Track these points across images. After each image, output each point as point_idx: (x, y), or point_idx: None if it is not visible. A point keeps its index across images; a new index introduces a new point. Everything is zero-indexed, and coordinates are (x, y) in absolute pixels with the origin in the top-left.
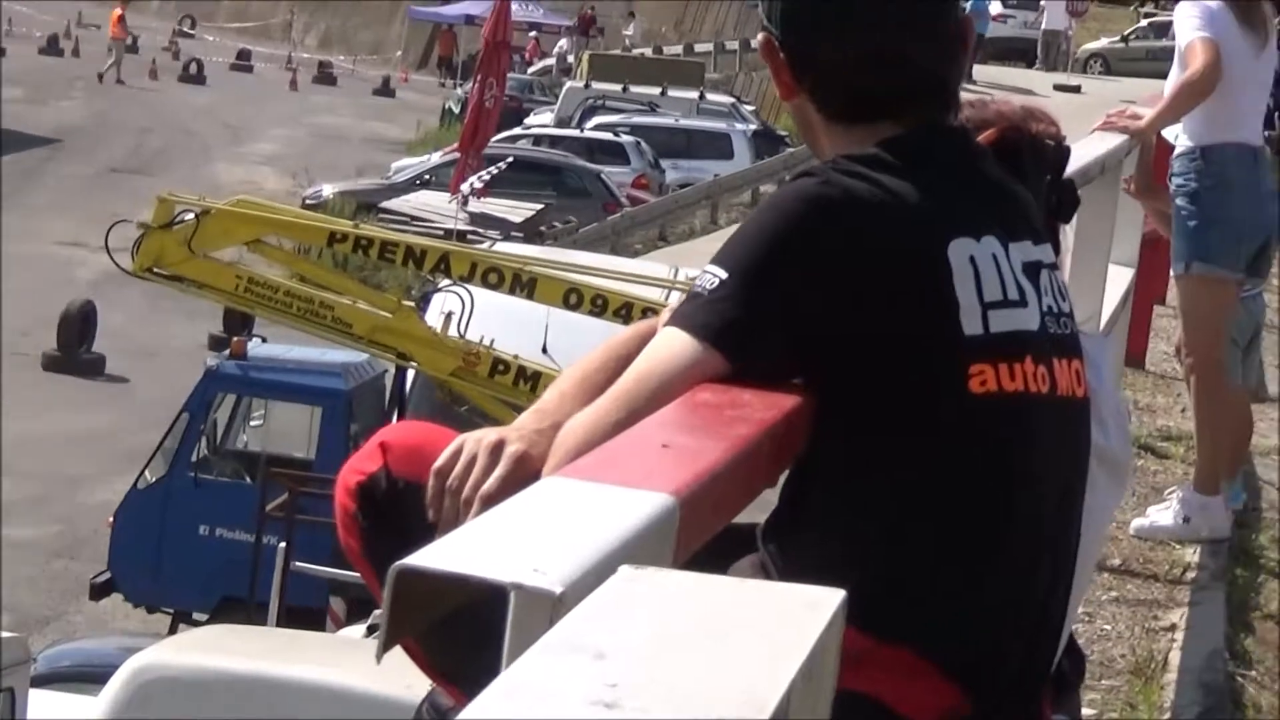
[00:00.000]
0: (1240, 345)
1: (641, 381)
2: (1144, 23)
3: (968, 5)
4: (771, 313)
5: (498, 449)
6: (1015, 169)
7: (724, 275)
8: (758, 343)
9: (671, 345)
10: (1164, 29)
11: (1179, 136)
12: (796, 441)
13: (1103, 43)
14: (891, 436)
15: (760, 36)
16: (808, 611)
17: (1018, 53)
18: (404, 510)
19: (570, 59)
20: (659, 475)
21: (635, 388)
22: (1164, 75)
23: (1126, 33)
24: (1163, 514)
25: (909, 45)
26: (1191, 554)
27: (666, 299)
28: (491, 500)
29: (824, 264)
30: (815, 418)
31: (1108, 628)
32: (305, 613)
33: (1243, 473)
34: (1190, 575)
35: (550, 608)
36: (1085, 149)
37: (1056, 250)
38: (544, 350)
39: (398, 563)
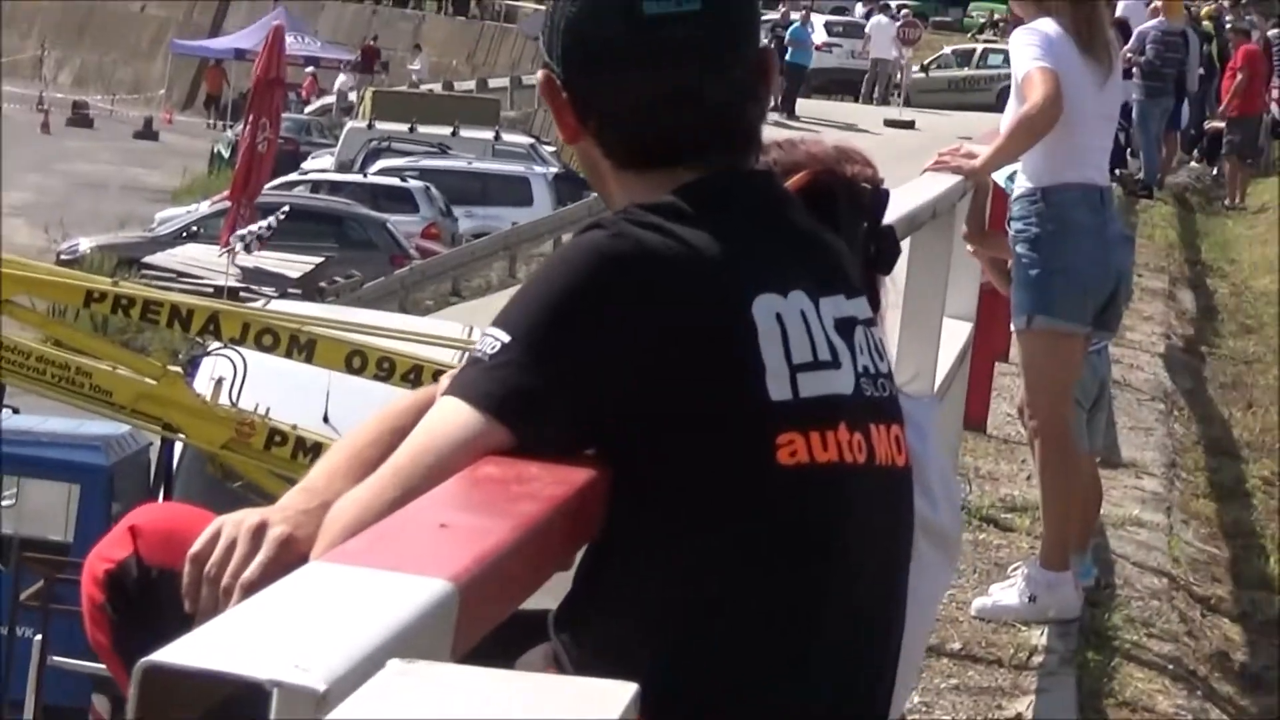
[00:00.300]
0: (1085, 406)
1: (417, 457)
2: (946, 50)
3: (787, 33)
4: (559, 379)
5: (260, 532)
6: (828, 216)
7: (506, 339)
8: (545, 412)
9: (450, 417)
10: (967, 57)
11: (1015, 176)
12: (591, 519)
13: None
14: (692, 510)
15: (540, 74)
16: (596, 707)
17: (844, 85)
18: (157, 600)
19: (351, 96)
20: (435, 559)
21: (411, 464)
22: (967, 107)
23: (926, 62)
24: (1007, 592)
25: (702, 82)
26: (1039, 636)
27: (460, 361)
28: (253, 588)
29: (616, 324)
30: (611, 492)
31: (947, 719)
32: (65, 712)
33: (1094, 545)
34: (1037, 659)
35: (314, 707)
36: (914, 192)
37: (875, 305)
38: (325, 419)
39: (144, 659)
